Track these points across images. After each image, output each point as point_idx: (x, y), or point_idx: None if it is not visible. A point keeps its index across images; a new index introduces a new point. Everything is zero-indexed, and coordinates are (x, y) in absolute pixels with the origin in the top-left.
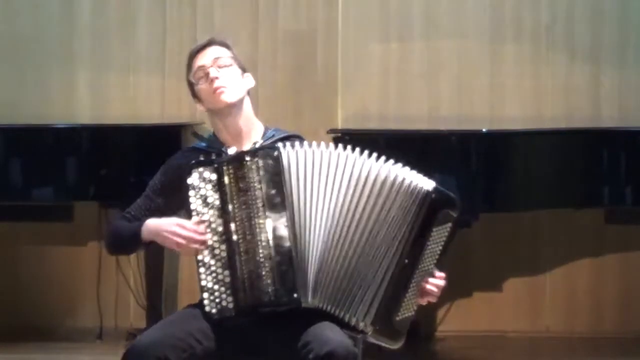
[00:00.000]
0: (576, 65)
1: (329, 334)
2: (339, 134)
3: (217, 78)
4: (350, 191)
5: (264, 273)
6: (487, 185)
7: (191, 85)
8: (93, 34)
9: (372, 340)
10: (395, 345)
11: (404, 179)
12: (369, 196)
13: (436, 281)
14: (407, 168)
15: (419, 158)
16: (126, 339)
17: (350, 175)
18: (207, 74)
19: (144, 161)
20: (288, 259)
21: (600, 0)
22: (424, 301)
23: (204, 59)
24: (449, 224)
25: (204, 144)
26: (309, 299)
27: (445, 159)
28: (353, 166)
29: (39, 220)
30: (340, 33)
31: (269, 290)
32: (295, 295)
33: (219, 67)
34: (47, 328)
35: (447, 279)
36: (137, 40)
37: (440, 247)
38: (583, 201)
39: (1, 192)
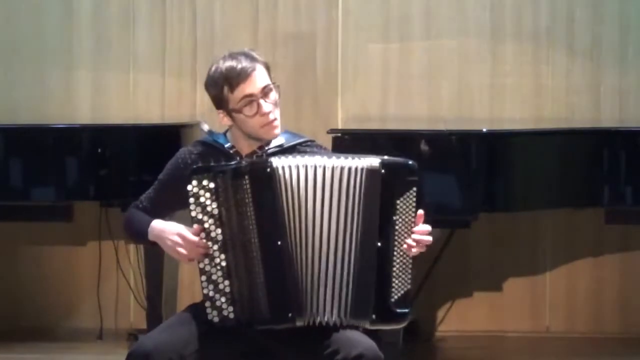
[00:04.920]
0: (576, 65)
1: (356, 337)
2: (339, 134)
3: (270, 112)
4: (335, 202)
5: (258, 292)
6: (487, 185)
7: (223, 103)
8: (93, 34)
9: (376, 328)
10: (401, 325)
11: (349, 169)
12: (340, 200)
13: (419, 229)
14: (350, 157)
15: (419, 158)
16: (126, 339)
17: (331, 186)
18: (258, 105)
19: (144, 161)
20: (280, 278)
21: (600, 0)
22: (417, 252)
23: (252, 86)
24: (414, 189)
25: (215, 140)
26: (304, 318)
27: (445, 159)
28: (330, 176)
29: (39, 220)
30: (340, 33)
31: (264, 309)
32: (290, 315)
33: (267, 96)
34: (47, 328)
35: (447, 279)
36: (137, 40)
37: (413, 214)
38: (583, 201)
39: (1, 192)
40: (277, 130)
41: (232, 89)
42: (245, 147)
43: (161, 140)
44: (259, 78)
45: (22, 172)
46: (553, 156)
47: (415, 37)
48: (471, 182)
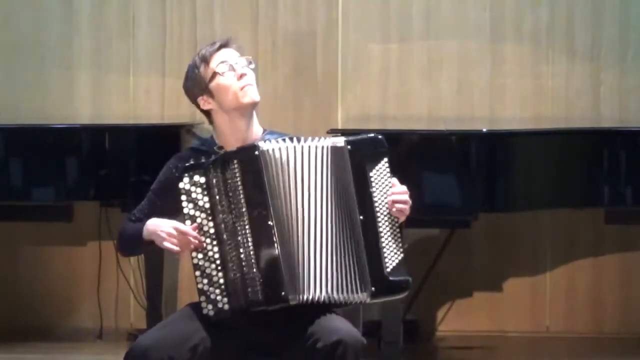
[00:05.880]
0: (576, 65)
1: (337, 324)
2: (339, 134)
3: (246, 75)
4: (312, 180)
5: (251, 275)
6: (487, 185)
7: (202, 82)
8: (93, 34)
9: (376, 302)
10: (402, 294)
11: (318, 148)
12: (317, 178)
13: (394, 190)
14: (324, 138)
15: (419, 158)
16: (127, 339)
17: (309, 165)
18: (234, 69)
19: (144, 161)
20: (273, 259)
21: (600, 0)
22: (401, 218)
23: (226, 55)
24: (384, 160)
25: (201, 143)
26: (298, 295)
27: (445, 159)
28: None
29: (39, 220)
30: (340, 33)
31: (258, 291)
32: (283, 293)
33: (242, 65)
34: (47, 328)
35: (447, 279)
36: (137, 40)
37: (389, 184)
38: (583, 201)
39: (1, 192)
40: (253, 94)
41: (208, 62)
42: (233, 146)
43: (161, 140)
44: (232, 52)
45: (22, 172)
46: (553, 156)
47: (415, 37)
48: (471, 182)
